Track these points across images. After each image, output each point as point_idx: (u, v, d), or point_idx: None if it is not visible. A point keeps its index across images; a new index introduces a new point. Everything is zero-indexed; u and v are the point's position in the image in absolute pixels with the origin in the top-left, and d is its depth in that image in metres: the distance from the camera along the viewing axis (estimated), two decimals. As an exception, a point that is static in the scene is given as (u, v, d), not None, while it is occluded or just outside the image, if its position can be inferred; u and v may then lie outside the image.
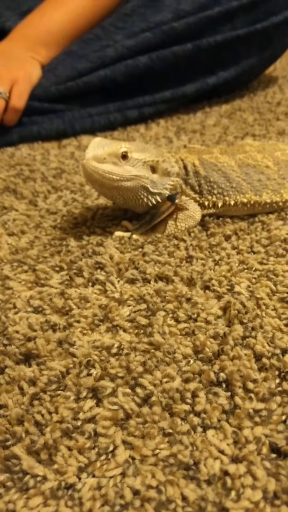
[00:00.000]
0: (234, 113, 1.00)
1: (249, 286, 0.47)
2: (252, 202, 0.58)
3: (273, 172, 0.59)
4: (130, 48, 0.92)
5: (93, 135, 0.91)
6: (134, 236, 0.56)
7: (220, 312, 0.45)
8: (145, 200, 0.55)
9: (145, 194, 0.55)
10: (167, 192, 0.56)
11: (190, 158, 0.58)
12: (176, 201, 0.55)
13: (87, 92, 0.92)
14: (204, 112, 1.02)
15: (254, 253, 0.53)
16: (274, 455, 0.32)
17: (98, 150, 0.52)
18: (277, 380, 0.38)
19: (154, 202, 0.56)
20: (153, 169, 0.55)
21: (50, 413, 0.36)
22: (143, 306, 0.45)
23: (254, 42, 0.98)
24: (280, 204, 0.59)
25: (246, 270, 0.50)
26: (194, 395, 0.37)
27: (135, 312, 0.45)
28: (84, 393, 0.37)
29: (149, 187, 0.54)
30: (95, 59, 0.92)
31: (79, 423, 0.35)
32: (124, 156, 0.53)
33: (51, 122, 0.90)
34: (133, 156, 0.53)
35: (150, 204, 0.56)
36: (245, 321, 0.43)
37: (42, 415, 0.36)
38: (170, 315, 0.45)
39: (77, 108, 0.92)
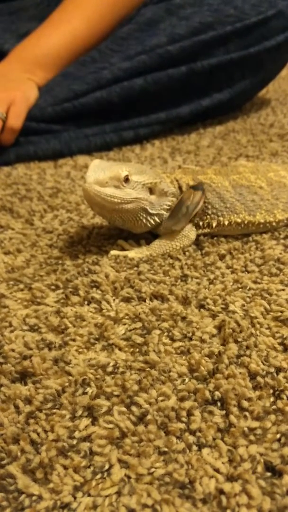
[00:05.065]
0: (228, 134, 1.02)
1: (243, 305, 0.48)
2: (246, 222, 0.59)
3: (267, 193, 0.60)
4: (125, 71, 0.93)
5: (89, 155, 0.92)
6: (130, 255, 0.57)
7: (215, 331, 0.45)
8: (144, 221, 0.56)
9: (144, 215, 0.55)
10: (164, 213, 0.57)
11: (184, 178, 0.59)
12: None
13: (83, 113, 0.93)
14: (199, 134, 1.03)
15: (248, 272, 0.54)
16: (269, 474, 0.33)
17: (100, 173, 0.53)
18: (272, 399, 0.38)
19: (153, 223, 0.56)
20: (151, 191, 0.56)
21: (45, 431, 0.36)
22: (139, 324, 0.46)
23: (247, 65, 1.00)
24: (274, 224, 0.60)
25: (240, 289, 0.51)
26: (189, 413, 0.37)
27: (130, 330, 0.45)
28: (80, 412, 0.37)
29: (148, 209, 0.55)
30: (91, 80, 0.94)
31: (74, 441, 0.35)
32: (127, 180, 0.53)
33: (47, 142, 0.91)
34: (133, 179, 0.54)
35: (148, 225, 0.57)
36: (239, 339, 0.43)
37: (38, 434, 0.36)
38: (166, 333, 0.45)
39: (73, 128, 0.93)
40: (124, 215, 0.55)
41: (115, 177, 0.53)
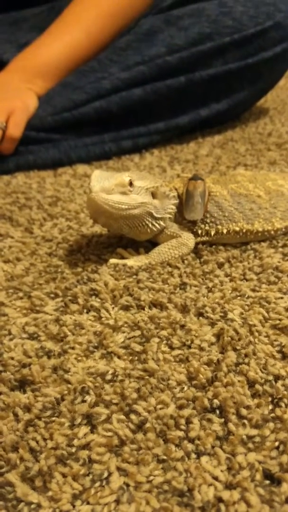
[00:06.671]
0: (226, 143, 1.02)
1: (242, 313, 0.48)
2: (244, 230, 0.59)
3: (265, 202, 0.60)
4: (125, 81, 0.94)
5: (88, 164, 0.93)
6: (129, 263, 0.57)
7: (213, 339, 0.45)
8: (150, 225, 0.56)
9: (150, 219, 0.56)
10: (168, 216, 0.58)
11: (183, 187, 0.60)
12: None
13: (83, 122, 0.93)
14: (197, 143, 1.04)
15: (247, 280, 0.54)
16: (267, 482, 0.33)
17: (104, 182, 0.53)
18: (270, 407, 0.38)
19: (158, 227, 0.57)
20: (153, 195, 0.56)
21: (44, 439, 0.36)
22: (138, 332, 0.46)
23: (246, 76, 1.01)
24: (272, 232, 0.61)
25: (239, 297, 0.51)
26: (188, 421, 0.37)
27: (129, 338, 0.45)
28: (79, 420, 0.37)
29: (153, 213, 0.56)
30: (90, 90, 0.94)
31: (73, 449, 0.35)
32: (131, 185, 0.54)
33: (47, 151, 0.92)
34: (136, 184, 0.54)
35: (154, 230, 0.57)
36: (238, 347, 0.43)
37: (37, 442, 0.36)
38: (164, 341, 0.45)
39: (73, 138, 0.94)
40: (131, 221, 0.55)
41: (120, 183, 0.53)
